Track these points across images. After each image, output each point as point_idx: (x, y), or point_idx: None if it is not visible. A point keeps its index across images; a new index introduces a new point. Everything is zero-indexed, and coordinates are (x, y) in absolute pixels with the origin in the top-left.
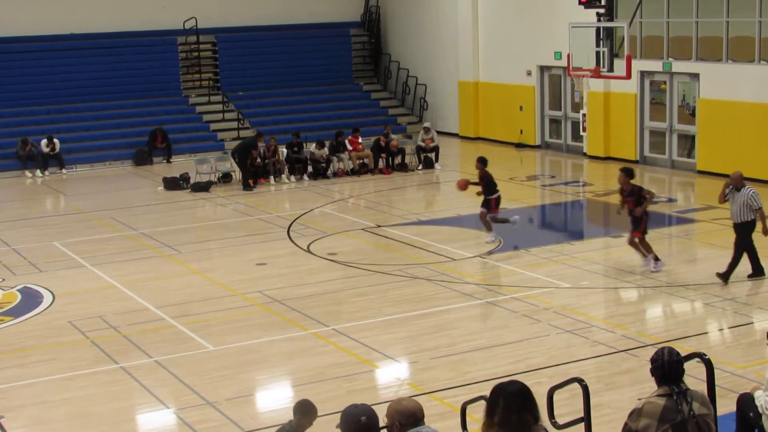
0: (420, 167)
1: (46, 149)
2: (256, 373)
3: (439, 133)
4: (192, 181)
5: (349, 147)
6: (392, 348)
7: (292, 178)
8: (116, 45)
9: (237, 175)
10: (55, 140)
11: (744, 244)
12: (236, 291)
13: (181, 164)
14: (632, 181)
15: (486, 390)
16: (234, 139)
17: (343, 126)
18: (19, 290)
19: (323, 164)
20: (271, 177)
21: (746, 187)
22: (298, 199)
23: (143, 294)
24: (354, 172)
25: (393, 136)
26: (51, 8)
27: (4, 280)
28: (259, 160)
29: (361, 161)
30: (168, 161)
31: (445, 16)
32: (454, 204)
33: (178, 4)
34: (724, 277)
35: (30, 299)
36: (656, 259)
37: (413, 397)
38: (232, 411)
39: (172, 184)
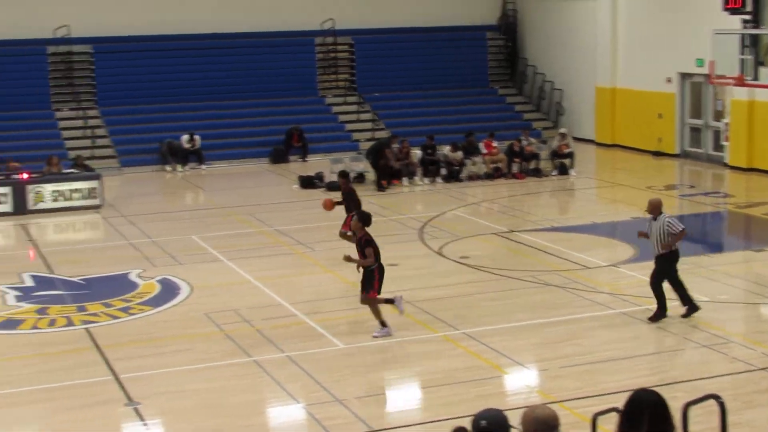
0: (554, 173)
1: (186, 145)
2: (385, 372)
3: (575, 139)
4: (326, 180)
5: (484, 150)
6: (522, 354)
7: (426, 180)
8: (256, 45)
9: (371, 175)
10: (196, 137)
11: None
12: None
13: (317, 163)
14: None
15: (618, 402)
16: (368, 140)
17: (477, 130)
18: (158, 281)
19: (457, 167)
20: (405, 179)
21: (662, 215)
22: (431, 202)
23: (276, 290)
24: (487, 176)
25: (530, 140)
26: (193, 8)
27: (144, 270)
28: (392, 161)
29: (495, 165)
30: (303, 160)
31: (584, 21)
32: (589, 211)
33: (316, 6)
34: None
35: (168, 290)
36: None
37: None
38: (361, 409)
39: (307, 182)
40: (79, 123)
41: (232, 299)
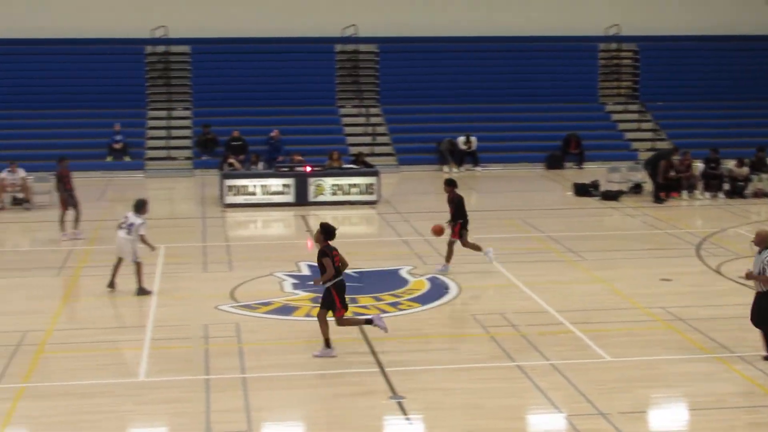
0: None
1: (463, 146)
2: (652, 390)
3: None
4: (602, 188)
5: None
6: None
7: (707, 194)
8: (535, 49)
9: (648, 186)
10: (472, 138)
11: None
12: (638, 304)
13: (593, 171)
14: None
15: None
16: (648, 150)
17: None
18: (428, 279)
19: (742, 183)
20: (684, 192)
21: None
22: (712, 217)
23: (544, 296)
24: None
25: None
26: (492, 9)
27: (415, 268)
28: (672, 173)
29: None
30: (579, 167)
31: None
32: None
33: (600, 10)
34: None
35: (437, 289)
36: None
37: None
38: (624, 425)
39: (582, 190)
40: (362, 120)
41: (499, 302)
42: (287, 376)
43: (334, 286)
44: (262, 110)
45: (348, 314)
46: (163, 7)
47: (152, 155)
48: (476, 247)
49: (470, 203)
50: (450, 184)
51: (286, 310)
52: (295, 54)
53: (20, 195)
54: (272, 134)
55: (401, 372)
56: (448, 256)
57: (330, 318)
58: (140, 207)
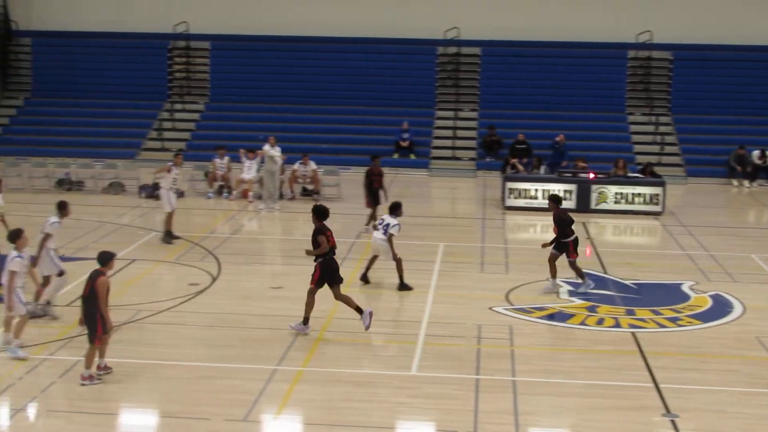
0: None
1: (758, 161)
2: None
3: None
4: None
5: None
6: None
7: None
8: None
9: None
10: None
11: None
12: None
13: None
14: None
15: None
16: None
17: None
18: (710, 296)
19: None
20: None
21: None
22: None
23: None
24: None
25: None
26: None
27: (697, 283)
28: None
29: None
30: None
31: None
32: None
33: None
34: None
35: (720, 307)
36: None
37: None
38: None
39: None
40: (650, 129)
41: None
42: (557, 383)
43: (321, 263)
44: (548, 114)
45: (345, 293)
46: (456, 9)
47: (437, 154)
48: (581, 275)
49: (762, 220)
50: (553, 200)
51: (560, 316)
52: (584, 59)
53: (310, 186)
54: (557, 138)
55: (676, 390)
56: (579, 274)
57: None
58: (396, 209)
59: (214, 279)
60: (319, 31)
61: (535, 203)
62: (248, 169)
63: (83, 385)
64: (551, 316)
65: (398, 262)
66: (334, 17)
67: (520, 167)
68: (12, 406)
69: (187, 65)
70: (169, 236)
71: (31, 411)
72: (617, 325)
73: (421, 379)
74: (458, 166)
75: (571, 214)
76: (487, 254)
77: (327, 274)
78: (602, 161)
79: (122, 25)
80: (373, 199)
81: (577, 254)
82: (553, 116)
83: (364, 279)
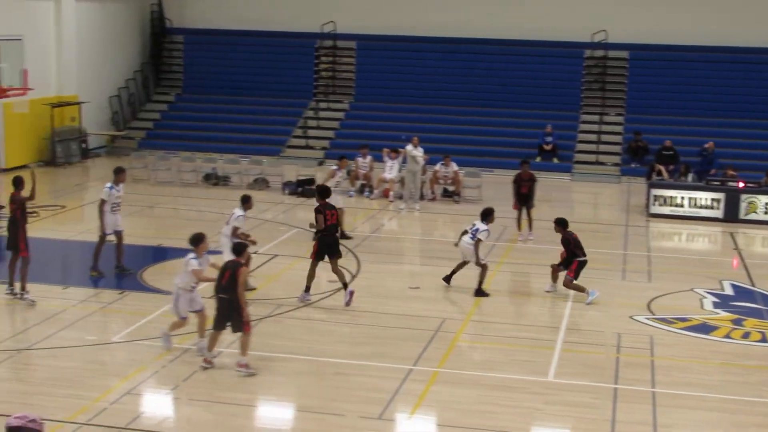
0: None
1: None
2: None
3: None
4: None
5: None
6: None
7: None
8: None
9: None
10: None
11: None
12: None
13: None
14: None
15: None
16: None
17: None
18: None
19: None
20: None
21: None
22: None
23: None
24: None
25: None
26: None
27: None
28: None
29: None
30: None
31: None
32: None
33: None
34: None
35: None
36: None
37: None
38: None
39: None
40: None
41: None
42: (698, 396)
43: (319, 238)
44: (697, 120)
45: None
46: (603, 11)
47: (580, 159)
48: (581, 289)
49: None
50: (558, 223)
51: (704, 328)
52: (746, 65)
53: (451, 188)
54: (706, 146)
55: None
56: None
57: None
58: (488, 215)
59: (353, 277)
60: (464, 32)
61: (681, 211)
62: (390, 169)
63: (239, 372)
64: (694, 328)
65: (483, 268)
66: (480, 19)
67: (666, 174)
68: (155, 392)
69: (333, 64)
70: (341, 235)
71: (173, 398)
72: (764, 339)
73: (558, 386)
74: (602, 171)
75: (718, 224)
76: (629, 262)
77: (324, 248)
78: (754, 170)
79: (271, 24)
80: (519, 203)
81: (573, 275)
82: (702, 122)
83: (447, 280)
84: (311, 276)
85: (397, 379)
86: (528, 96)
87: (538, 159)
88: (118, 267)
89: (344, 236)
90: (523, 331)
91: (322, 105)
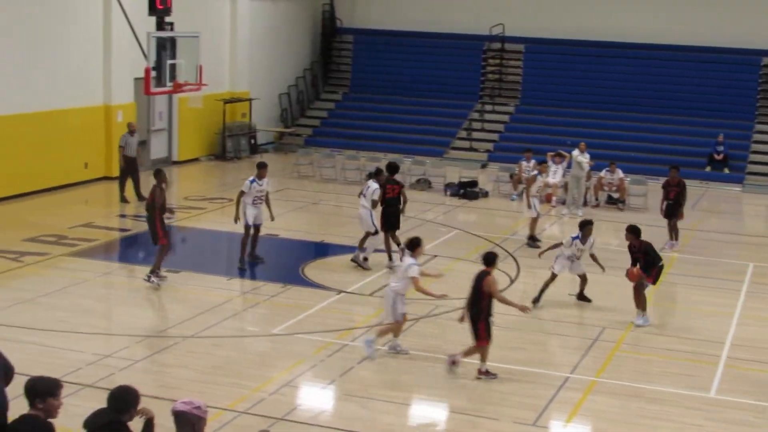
0: None
1: None
2: None
3: None
4: None
5: None
6: None
7: None
8: None
9: None
10: None
11: None
12: None
13: None
14: None
15: None
16: None
17: None
18: None
19: None
20: None
21: None
22: None
23: None
24: None
25: None
26: None
27: None
28: None
29: None
30: None
31: None
32: None
33: None
34: None
35: None
36: None
37: None
38: None
39: None
40: None
41: None
42: None
43: (382, 211)
44: None
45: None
46: None
47: (753, 170)
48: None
49: None
50: (630, 231)
51: None
52: None
53: (616, 195)
54: None
55: None
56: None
57: None
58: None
59: (512, 281)
60: (633, 37)
61: None
62: (554, 174)
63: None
64: None
65: (582, 278)
66: (649, 24)
67: None
68: (312, 386)
69: (500, 67)
70: (532, 240)
71: (329, 393)
72: None
73: (720, 403)
74: None
75: None
76: None
77: (384, 220)
78: None
79: (439, 26)
80: (666, 211)
81: (653, 282)
82: None
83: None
84: (388, 246)
85: (553, 386)
86: (699, 103)
87: (708, 168)
88: (251, 255)
89: (535, 240)
90: (687, 344)
91: (488, 107)
